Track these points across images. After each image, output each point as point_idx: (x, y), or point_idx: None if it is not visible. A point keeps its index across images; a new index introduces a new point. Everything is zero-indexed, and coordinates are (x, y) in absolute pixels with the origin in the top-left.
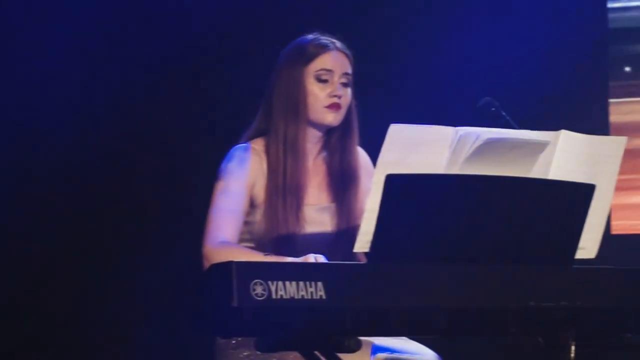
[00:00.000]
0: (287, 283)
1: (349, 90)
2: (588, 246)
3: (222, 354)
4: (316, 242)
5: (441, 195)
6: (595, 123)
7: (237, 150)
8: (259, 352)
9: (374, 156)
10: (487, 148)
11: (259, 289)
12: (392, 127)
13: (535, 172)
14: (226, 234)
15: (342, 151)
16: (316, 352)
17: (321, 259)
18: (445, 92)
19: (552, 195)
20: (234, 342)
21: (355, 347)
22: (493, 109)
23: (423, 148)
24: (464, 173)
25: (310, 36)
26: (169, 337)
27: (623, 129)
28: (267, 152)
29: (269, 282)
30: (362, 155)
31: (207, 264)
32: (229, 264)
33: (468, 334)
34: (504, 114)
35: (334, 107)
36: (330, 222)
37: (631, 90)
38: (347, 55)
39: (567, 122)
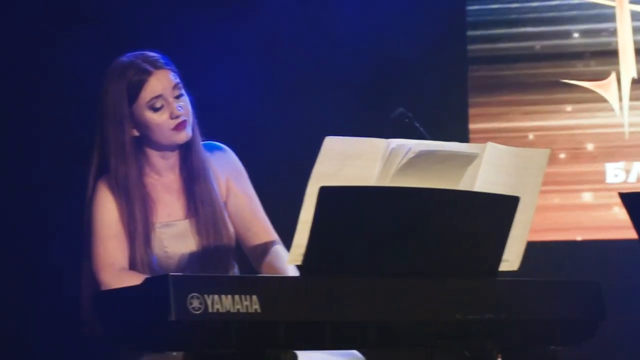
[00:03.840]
0: (223, 297)
1: (185, 98)
2: (511, 258)
3: None
4: (186, 259)
5: (371, 208)
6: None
7: (102, 185)
8: None
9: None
10: (418, 160)
11: (195, 303)
12: (327, 139)
13: (463, 184)
14: (121, 260)
15: (185, 161)
16: None
17: None
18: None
19: (478, 207)
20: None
21: None
22: (407, 120)
23: (356, 160)
24: (394, 185)
25: (125, 60)
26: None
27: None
28: (112, 191)
29: (205, 296)
30: (219, 156)
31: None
32: (165, 277)
33: (397, 347)
34: (417, 124)
35: (180, 126)
36: (197, 235)
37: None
38: (170, 70)
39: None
